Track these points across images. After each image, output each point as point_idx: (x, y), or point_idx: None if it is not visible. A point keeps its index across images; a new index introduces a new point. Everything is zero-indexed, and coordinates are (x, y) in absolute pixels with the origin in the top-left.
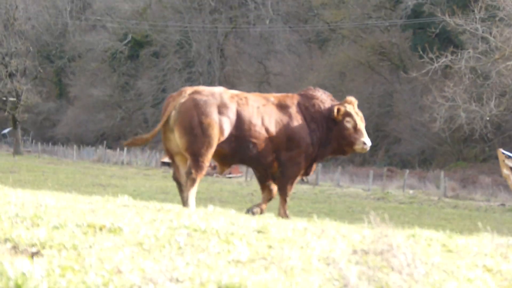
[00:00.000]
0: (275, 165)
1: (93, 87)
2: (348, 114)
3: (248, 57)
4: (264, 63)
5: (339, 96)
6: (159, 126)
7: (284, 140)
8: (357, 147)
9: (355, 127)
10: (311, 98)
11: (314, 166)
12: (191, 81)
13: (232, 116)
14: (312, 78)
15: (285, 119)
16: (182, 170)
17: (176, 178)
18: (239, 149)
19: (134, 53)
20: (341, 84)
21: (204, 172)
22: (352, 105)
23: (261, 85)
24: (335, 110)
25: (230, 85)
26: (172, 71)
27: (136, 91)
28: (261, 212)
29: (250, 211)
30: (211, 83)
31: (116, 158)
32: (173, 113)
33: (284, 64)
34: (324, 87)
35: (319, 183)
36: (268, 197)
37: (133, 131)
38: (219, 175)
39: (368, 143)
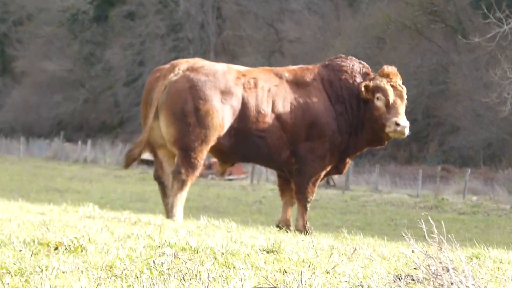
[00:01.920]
0: (293, 161)
1: (47, 59)
2: (378, 89)
3: (254, 18)
4: (276, 26)
5: (376, 69)
6: (150, 116)
7: (303, 128)
8: (388, 129)
9: (387, 105)
10: (338, 70)
11: (348, 162)
12: (177, 51)
13: (236, 104)
14: (339, 46)
15: (303, 99)
16: (168, 169)
17: (158, 179)
18: (241, 145)
19: (101, 14)
20: (378, 54)
21: (197, 172)
22: (389, 78)
23: (272, 55)
24: (362, 88)
25: (230, 56)
26: (152, 37)
27: (105, 64)
28: (287, 225)
29: (281, 225)
30: (204, 54)
31: (77, 154)
32: (161, 94)
33: (303, 28)
34: (356, 58)
35: (350, 187)
36: (290, 203)
37: (100, 118)
38: (217, 176)
39: (403, 123)
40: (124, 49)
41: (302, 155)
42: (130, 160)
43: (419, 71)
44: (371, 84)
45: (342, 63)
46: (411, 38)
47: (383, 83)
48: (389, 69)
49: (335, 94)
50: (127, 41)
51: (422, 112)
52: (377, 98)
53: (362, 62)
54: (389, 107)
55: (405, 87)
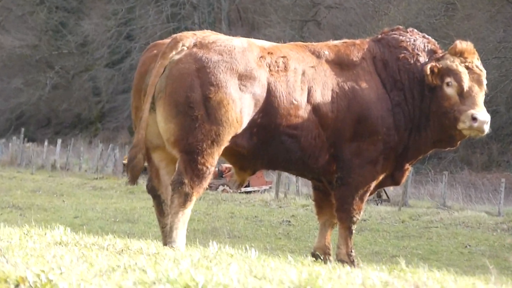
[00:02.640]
0: (334, 168)
1: (3, 31)
2: (448, 72)
3: None
4: None
5: (444, 47)
6: (145, 107)
7: (348, 124)
8: (462, 125)
9: (460, 93)
10: (395, 46)
11: (407, 169)
12: (177, 21)
13: (259, 92)
14: (395, 14)
15: (348, 86)
16: (166, 178)
17: (153, 192)
18: (266, 147)
19: None
20: (447, 24)
21: (205, 183)
22: (463, 57)
23: (305, 26)
24: (428, 70)
25: (249, 27)
26: (143, 2)
27: (80, 38)
28: (325, 254)
29: (317, 254)
30: (213, 24)
31: (43, 158)
32: (159, 79)
33: None
34: (418, 30)
35: (409, 203)
36: (330, 224)
37: (74, 110)
38: (232, 188)
39: (483, 117)
40: (106, 18)
41: (347, 160)
42: (136, 172)
43: (502, 47)
44: (439, 65)
45: (401, 38)
46: (490, 3)
47: (455, 64)
48: (463, 45)
49: (391, 79)
50: (110, 8)
51: (505, 101)
52: (447, 84)
53: (427, 36)
54: (463, 95)
55: (484, 69)
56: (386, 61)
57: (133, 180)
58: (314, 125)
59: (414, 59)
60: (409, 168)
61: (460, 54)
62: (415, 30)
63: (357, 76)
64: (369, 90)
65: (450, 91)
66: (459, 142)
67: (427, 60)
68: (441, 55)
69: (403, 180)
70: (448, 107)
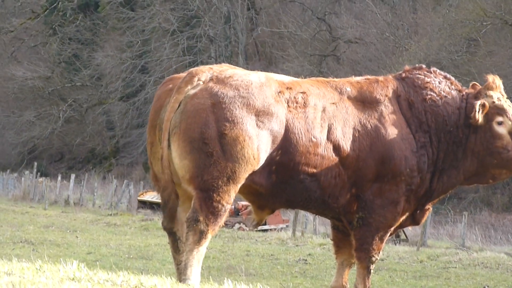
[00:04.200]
0: (355, 208)
1: (15, 63)
2: (499, 111)
3: (300, 10)
4: (329, 22)
5: (466, 84)
6: (163, 144)
7: (371, 164)
8: None
9: (511, 131)
10: (421, 87)
11: (429, 210)
12: (193, 54)
13: (278, 129)
14: (416, 50)
15: (371, 124)
16: (182, 215)
17: (168, 229)
18: (285, 185)
19: (90, 2)
20: (469, 61)
21: (221, 221)
22: (501, 94)
23: (323, 61)
24: (477, 108)
25: (266, 61)
26: (159, 34)
27: (94, 71)
28: None
29: None
30: (230, 58)
31: (56, 193)
32: (174, 114)
33: (366, 24)
34: (439, 66)
35: (428, 243)
36: (348, 263)
37: (87, 145)
38: (248, 226)
39: None
40: (121, 50)
41: (368, 201)
42: (173, 213)
43: None
44: (487, 103)
45: (426, 79)
46: None
47: (503, 101)
48: (494, 78)
49: (417, 120)
50: (124, 40)
51: None
52: (498, 123)
53: (448, 75)
54: (497, 137)
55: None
56: (412, 101)
57: (172, 221)
58: (334, 163)
59: (442, 101)
60: (430, 209)
61: (495, 87)
62: (438, 71)
63: (381, 115)
64: (393, 130)
65: (503, 130)
66: (496, 182)
67: (457, 101)
68: (476, 91)
69: (423, 220)
70: (501, 147)
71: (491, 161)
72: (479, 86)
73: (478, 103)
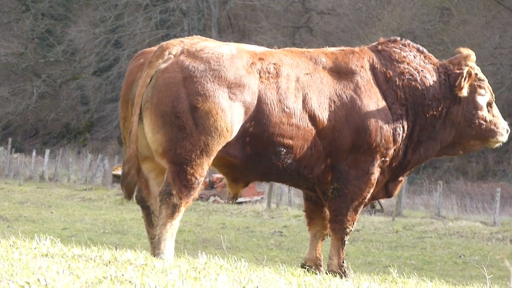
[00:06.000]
0: (329, 179)
1: None
2: (481, 83)
3: None
4: None
5: (439, 53)
6: (133, 118)
7: (346, 134)
8: (500, 138)
9: (490, 103)
10: (399, 61)
11: (401, 181)
12: (166, 28)
13: (250, 100)
14: (388, 20)
15: (347, 95)
16: (155, 189)
17: (142, 203)
18: (259, 158)
19: None
20: (442, 30)
21: (194, 194)
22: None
23: (297, 33)
24: (465, 75)
25: (239, 34)
26: (131, 9)
27: (68, 46)
28: (316, 265)
29: (308, 265)
30: (203, 31)
31: (31, 169)
32: (146, 89)
33: None
34: (412, 36)
35: (403, 213)
36: (321, 235)
37: (62, 120)
38: (223, 199)
39: (510, 129)
40: (94, 25)
41: (344, 171)
42: (131, 188)
43: (497, 53)
44: (473, 72)
45: (403, 53)
46: (486, 9)
47: (480, 72)
48: (468, 51)
49: (394, 93)
50: (97, 14)
51: (501, 109)
52: (480, 95)
53: (421, 48)
54: (491, 106)
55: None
56: (389, 74)
57: (129, 196)
58: (309, 134)
59: (419, 75)
60: (402, 180)
61: (472, 59)
62: (411, 43)
63: (356, 86)
64: (369, 101)
65: (484, 101)
66: (468, 152)
67: (434, 74)
68: (457, 62)
69: (396, 192)
70: (481, 119)
71: (470, 132)
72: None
73: (465, 70)
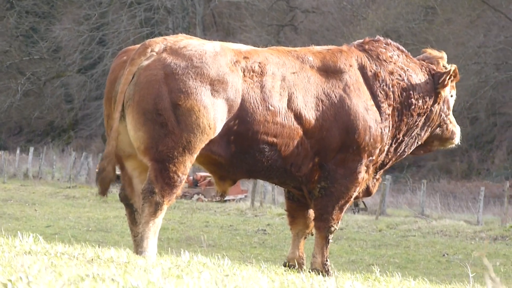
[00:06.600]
0: (316, 177)
1: None
2: (453, 84)
3: None
4: None
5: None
6: (115, 115)
7: (336, 134)
8: (457, 140)
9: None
10: (386, 61)
11: (379, 179)
12: (151, 25)
13: (233, 97)
14: (373, 19)
15: (336, 94)
16: (139, 187)
17: (125, 201)
18: (245, 156)
19: None
20: (427, 29)
21: (177, 191)
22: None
23: (281, 31)
24: (451, 74)
25: (224, 32)
26: (116, 6)
27: (52, 43)
28: (298, 264)
29: (291, 264)
30: (188, 30)
31: (15, 166)
32: (128, 86)
33: None
34: (396, 35)
35: (387, 211)
36: (303, 234)
37: (46, 118)
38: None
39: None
40: (78, 22)
41: (331, 170)
42: (105, 184)
43: (482, 52)
44: (457, 71)
45: (388, 52)
46: (470, 7)
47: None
48: (443, 53)
49: (383, 92)
50: (82, 12)
51: (485, 108)
52: (451, 96)
53: (401, 47)
54: (450, 109)
55: (464, 73)
56: (378, 74)
57: (103, 192)
58: (296, 132)
59: (406, 74)
60: (380, 178)
61: (439, 62)
62: (392, 42)
63: (345, 85)
64: (358, 100)
65: (452, 103)
66: (432, 151)
67: (418, 73)
68: (436, 62)
69: (375, 190)
70: (449, 120)
71: (437, 132)
72: (431, 54)
73: (452, 68)
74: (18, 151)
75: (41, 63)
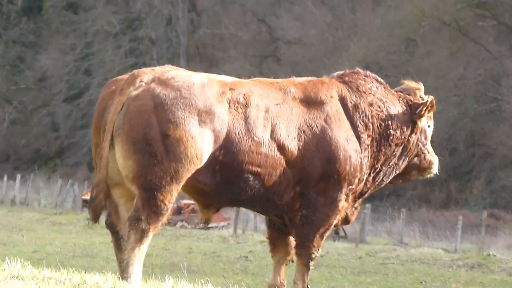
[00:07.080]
0: (297, 206)
1: None
2: (431, 115)
3: (241, 12)
4: (269, 23)
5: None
6: (104, 145)
7: (317, 164)
8: (435, 170)
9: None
10: (366, 92)
11: (358, 208)
12: (135, 56)
13: (219, 128)
14: (355, 51)
15: (318, 124)
16: (125, 214)
17: (112, 227)
18: (230, 185)
19: (33, 5)
20: (407, 61)
21: (162, 219)
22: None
23: (264, 62)
24: (428, 105)
25: (207, 63)
26: (101, 37)
27: (38, 73)
28: None
29: None
30: (172, 60)
31: (2, 193)
32: (117, 116)
33: (306, 25)
34: (378, 67)
35: (367, 239)
36: (284, 261)
37: (33, 146)
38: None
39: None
40: (64, 52)
41: (312, 199)
42: (97, 212)
43: (462, 84)
44: (434, 102)
45: (367, 84)
46: (451, 40)
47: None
48: (421, 85)
49: (362, 123)
50: (67, 42)
51: (464, 139)
52: (429, 126)
53: (379, 79)
54: (427, 139)
55: (444, 104)
56: (358, 105)
57: (95, 219)
58: (279, 162)
59: (385, 106)
60: (359, 207)
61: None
62: (371, 74)
63: (327, 116)
64: (339, 131)
65: (430, 133)
66: (411, 180)
67: (396, 105)
68: (413, 94)
69: (354, 218)
70: (427, 150)
71: (415, 162)
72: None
73: (430, 99)
74: (5, 178)
75: (27, 92)
